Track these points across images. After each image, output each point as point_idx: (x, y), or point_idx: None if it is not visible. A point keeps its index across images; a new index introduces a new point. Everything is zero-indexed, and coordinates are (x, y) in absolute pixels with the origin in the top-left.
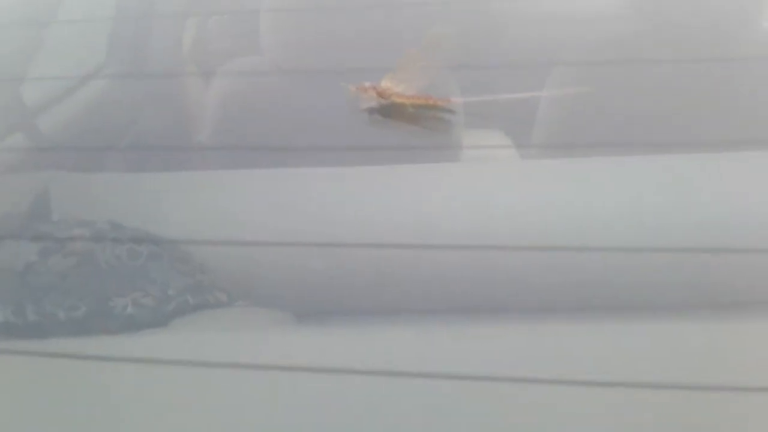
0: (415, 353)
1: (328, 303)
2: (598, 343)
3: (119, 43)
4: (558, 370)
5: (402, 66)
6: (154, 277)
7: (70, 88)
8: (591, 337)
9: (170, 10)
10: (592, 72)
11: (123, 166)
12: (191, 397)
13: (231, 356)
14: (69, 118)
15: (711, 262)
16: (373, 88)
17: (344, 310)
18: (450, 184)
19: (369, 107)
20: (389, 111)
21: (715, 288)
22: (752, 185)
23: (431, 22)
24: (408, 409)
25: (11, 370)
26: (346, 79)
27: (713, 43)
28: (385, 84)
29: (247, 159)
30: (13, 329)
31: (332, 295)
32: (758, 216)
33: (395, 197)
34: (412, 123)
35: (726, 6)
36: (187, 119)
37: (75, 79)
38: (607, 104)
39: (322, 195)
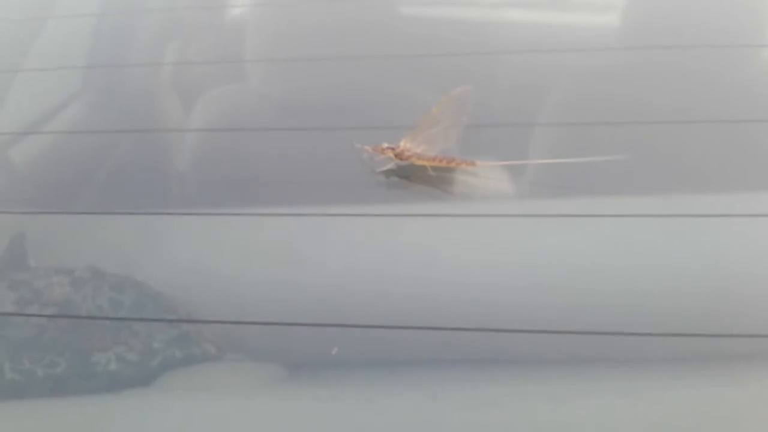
0: (414, 411)
1: (322, 356)
2: None
3: (94, 74)
4: None
5: (422, 126)
6: (137, 329)
7: (40, 121)
8: None
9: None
10: (624, 134)
11: (101, 206)
12: None
13: (221, 419)
14: (40, 153)
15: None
16: (391, 149)
17: (339, 362)
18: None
19: (386, 169)
20: (408, 173)
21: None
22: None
23: (453, 79)
24: None
25: None
26: (357, 138)
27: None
28: (404, 144)
29: (244, 200)
30: None
31: (326, 349)
32: None
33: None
34: (432, 186)
35: None
36: (170, 154)
37: (45, 113)
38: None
39: (317, 243)
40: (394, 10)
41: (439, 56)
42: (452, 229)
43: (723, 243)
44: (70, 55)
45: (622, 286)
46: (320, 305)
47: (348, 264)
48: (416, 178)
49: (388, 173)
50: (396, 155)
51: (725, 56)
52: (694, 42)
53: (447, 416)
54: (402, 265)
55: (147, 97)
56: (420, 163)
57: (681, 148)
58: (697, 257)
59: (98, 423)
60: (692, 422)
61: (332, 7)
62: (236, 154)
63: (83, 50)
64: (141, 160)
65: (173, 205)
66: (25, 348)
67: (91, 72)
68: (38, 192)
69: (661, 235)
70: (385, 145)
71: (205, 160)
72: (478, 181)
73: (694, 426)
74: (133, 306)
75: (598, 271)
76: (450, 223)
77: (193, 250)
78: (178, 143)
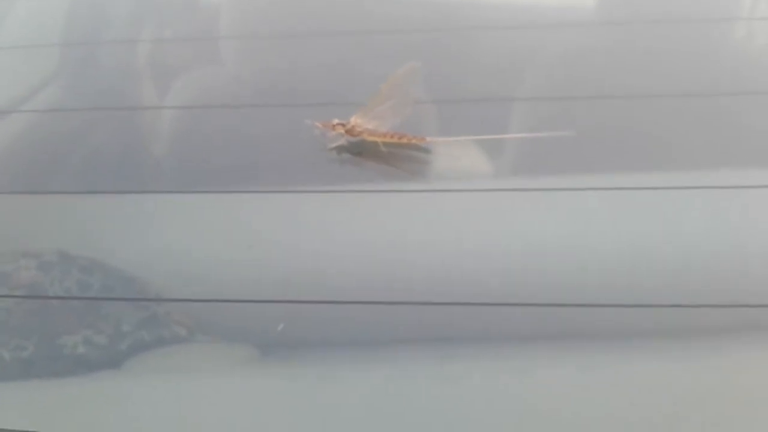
0: (386, 390)
1: (295, 336)
2: None
3: (69, 54)
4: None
5: (373, 102)
6: (106, 311)
7: (13, 100)
8: None
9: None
10: (573, 108)
11: (70, 187)
12: None
13: (191, 401)
14: (9, 135)
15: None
16: (342, 125)
17: (312, 343)
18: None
19: (338, 145)
20: (359, 149)
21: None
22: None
23: (403, 55)
24: None
25: None
26: (309, 115)
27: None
28: (355, 121)
29: (203, 181)
30: None
31: (299, 328)
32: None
33: (363, 229)
34: (384, 162)
35: None
36: (142, 135)
37: (18, 94)
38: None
39: (285, 221)
40: None
41: (398, 32)
42: (404, 204)
43: (687, 215)
44: (43, 33)
45: (577, 259)
46: (282, 283)
47: (306, 241)
48: (368, 155)
49: (339, 149)
50: (347, 131)
51: (692, 30)
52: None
53: (415, 392)
54: (356, 241)
55: (121, 75)
56: (371, 139)
57: (636, 123)
58: (656, 230)
59: (68, 406)
60: (657, 395)
61: None
62: (194, 133)
63: (57, 28)
64: (113, 141)
65: (141, 186)
66: None
67: (65, 50)
68: (8, 173)
69: (617, 208)
70: (336, 121)
71: (169, 140)
72: (429, 156)
73: (660, 398)
74: (102, 288)
75: (553, 244)
76: (402, 198)
77: (163, 231)
78: (151, 123)
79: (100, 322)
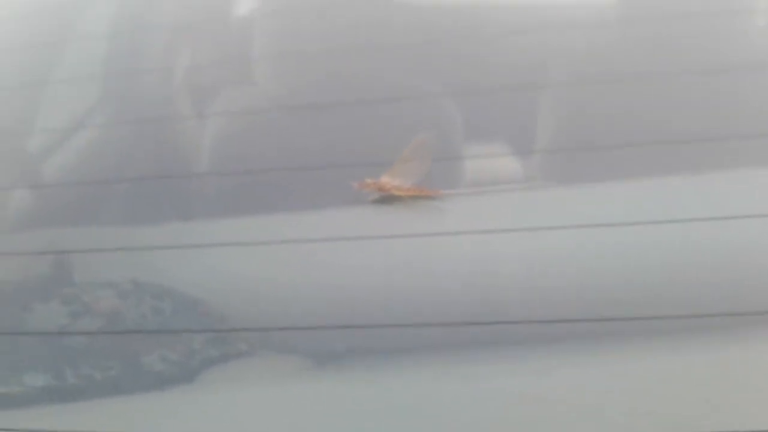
0: (439, 397)
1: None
2: None
3: (111, 89)
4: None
5: (398, 164)
6: (178, 332)
7: (62, 138)
8: None
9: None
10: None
11: (132, 217)
12: None
13: (259, 413)
14: (66, 168)
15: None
16: (375, 183)
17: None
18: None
19: (373, 199)
20: (389, 201)
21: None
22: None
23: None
24: None
25: None
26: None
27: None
28: (385, 179)
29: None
30: (54, 393)
31: (352, 339)
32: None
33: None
34: (407, 210)
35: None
36: (190, 163)
37: (65, 130)
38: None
39: (333, 242)
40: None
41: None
42: (425, 242)
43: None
44: (82, 68)
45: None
46: (336, 307)
47: (351, 274)
48: (396, 204)
49: (372, 202)
50: (378, 188)
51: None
52: None
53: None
54: (392, 271)
55: (157, 102)
56: (398, 193)
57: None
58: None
59: (149, 416)
60: (663, 392)
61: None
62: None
63: (97, 61)
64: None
65: (195, 212)
66: (81, 354)
67: (105, 80)
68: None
69: (623, 209)
70: (369, 180)
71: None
72: (443, 204)
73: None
74: (173, 311)
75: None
76: (422, 238)
77: (219, 255)
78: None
79: (173, 341)
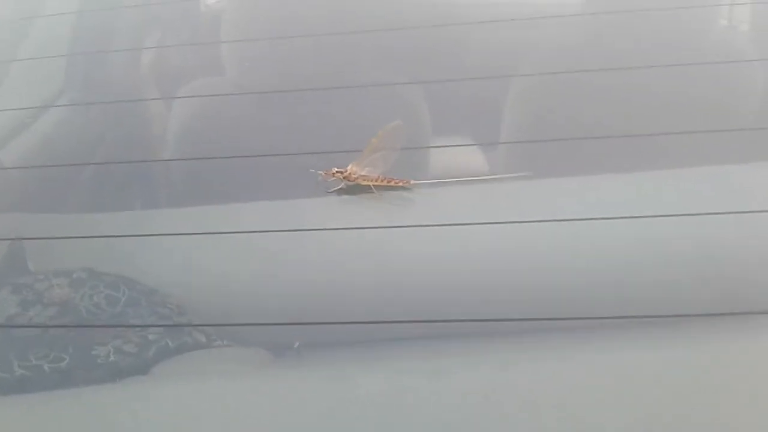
0: (396, 390)
1: (307, 338)
2: None
3: (76, 71)
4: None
5: (365, 153)
6: (134, 323)
7: (26, 120)
8: None
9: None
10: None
11: (90, 205)
12: None
13: (211, 401)
14: (27, 153)
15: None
16: (341, 172)
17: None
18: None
19: (338, 188)
20: (355, 191)
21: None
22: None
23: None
24: None
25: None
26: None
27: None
28: (351, 168)
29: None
30: (1, 384)
31: (311, 330)
32: None
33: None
34: (376, 201)
35: None
36: (154, 150)
37: (30, 111)
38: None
39: (289, 241)
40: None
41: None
42: (393, 236)
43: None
44: (51, 48)
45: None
46: (298, 301)
47: (315, 267)
48: (362, 195)
49: (339, 192)
50: (344, 177)
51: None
52: None
53: (414, 389)
54: (357, 265)
55: (130, 89)
56: (365, 183)
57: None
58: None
59: (101, 412)
60: (657, 388)
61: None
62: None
63: (64, 43)
64: (125, 155)
65: (156, 202)
66: (31, 345)
67: (73, 67)
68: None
69: (616, 206)
70: (335, 169)
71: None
72: (413, 195)
73: (659, 392)
74: (128, 301)
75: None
76: (392, 231)
77: (183, 246)
78: (162, 138)
79: (129, 332)
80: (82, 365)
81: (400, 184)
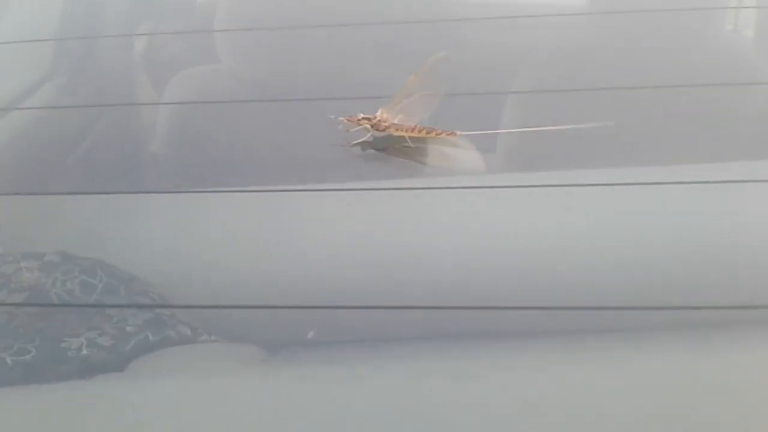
0: (395, 390)
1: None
2: None
3: (65, 55)
4: None
5: (400, 95)
6: (110, 312)
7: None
8: None
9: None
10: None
11: (70, 187)
12: None
13: (196, 402)
14: (6, 134)
15: None
16: (368, 119)
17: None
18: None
19: (363, 141)
20: (386, 145)
21: None
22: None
23: (430, 46)
24: None
25: None
26: (333, 110)
27: None
28: (381, 115)
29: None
30: None
31: (305, 327)
32: None
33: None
34: (411, 158)
35: None
36: (142, 135)
37: (14, 92)
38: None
39: (294, 221)
40: None
41: (417, 23)
42: (432, 202)
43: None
44: (40, 30)
45: (603, 258)
46: (299, 284)
47: (326, 241)
48: (394, 150)
49: (364, 145)
50: (372, 126)
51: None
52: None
53: (427, 391)
54: (381, 241)
55: (119, 72)
56: (398, 134)
57: (662, 115)
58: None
59: (71, 410)
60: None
61: None
62: (210, 131)
63: (54, 26)
64: (113, 139)
65: (142, 185)
66: None
67: (61, 49)
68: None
69: (647, 205)
70: (361, 115)
71: (178, 138)
72: (458, 152)
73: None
74: (105, 289)
75: (578, 243)
76: (430, 196)
77: (168, 231)
78: (151, 120)
79: (105, 323)
80: (50, 358)
81: (443, 135)
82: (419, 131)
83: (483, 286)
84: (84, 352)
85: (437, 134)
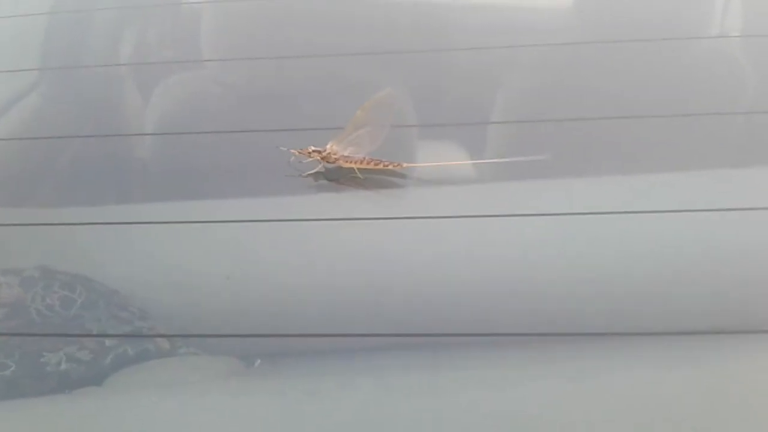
0: (371, 403)
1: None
2: None
3: (47, 64)
4: None
5: (350, 128)
6: (89, 327)
7: None
8: None
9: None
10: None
11: (50, 201)
12: None
13: (174, 415)
14: None
15: None
16: (318, 151)
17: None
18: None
19: (314, 172)
20: (336, 176)
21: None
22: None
23: (377, 82)
24: None
25: None
26: (283, 141)
27: None
28: (332, 147)
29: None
30: None
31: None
32: None
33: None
34: (361, 188)
35: None
36: (121, 150)
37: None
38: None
39: (263, 249)
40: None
41: (367, 54)
42: (382, 231)
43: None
44: (22, 48)
45: (553, 282)
46: (262, 310)
47: (284, 269)
48: (345, 180)
49: (316, 176)
50: (323, 158)
51: (668, 48)
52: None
53: (396, 404)
54: (335, 269)
55: (102, 88)
56: (348, 165)
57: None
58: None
59: (50, 425)
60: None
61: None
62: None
63: (36, 45)
64: (97, 155)
65: (121, 199)
66: None
67: (45, 63)
68: None
69: (588, 231)
70: (312, 148)
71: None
72: (406, 182)
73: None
74: (85, 304)
75: (528, 268)
76: (381, 225)
77: (148, 247)
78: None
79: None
80: (29, 374)
81: (390, 167)
82: (368, 163)
83: (429, 312)
84: (63, 366)
85: (384, 166)
